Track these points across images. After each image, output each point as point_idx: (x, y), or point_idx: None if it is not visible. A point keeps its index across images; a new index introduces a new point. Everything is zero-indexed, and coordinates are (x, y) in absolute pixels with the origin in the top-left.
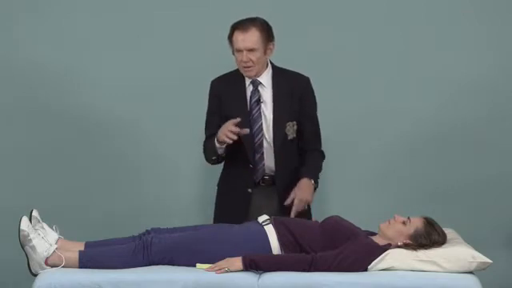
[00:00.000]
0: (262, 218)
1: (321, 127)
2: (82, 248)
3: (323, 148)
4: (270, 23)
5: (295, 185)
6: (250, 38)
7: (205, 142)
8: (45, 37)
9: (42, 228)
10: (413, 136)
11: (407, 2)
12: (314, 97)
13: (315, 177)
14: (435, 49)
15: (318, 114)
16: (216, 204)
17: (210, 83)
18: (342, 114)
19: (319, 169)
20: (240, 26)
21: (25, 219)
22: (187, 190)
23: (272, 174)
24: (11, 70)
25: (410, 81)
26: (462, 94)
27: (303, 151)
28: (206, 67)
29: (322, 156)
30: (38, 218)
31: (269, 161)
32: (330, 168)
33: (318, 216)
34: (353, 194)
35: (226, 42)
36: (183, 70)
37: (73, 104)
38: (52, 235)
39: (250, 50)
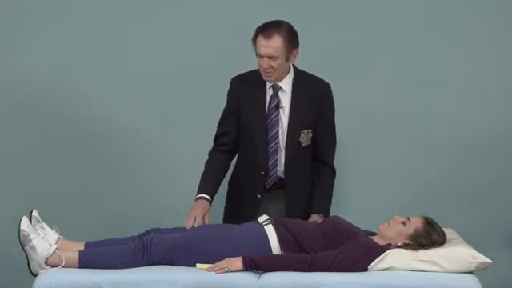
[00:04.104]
0: (262, 218)
1: None
2: (82, 248)
3: None
4: None
5: (305, 191)
6: (272, 45)
7: (209, 157)
8: (43, 38)
9: (42, 228)
10: (413, 136)
11: (408, 1)
12: (332, 104)
13: (326, 211)
14: (435, 49)
15: None
16: (226, 205)
17: (220, 80)
18: (341, 115)
19: (330, 198)
20: (264, 31)
21: (25, 219)
22: (188, 191)
23: (282, 177)
24: (10, 74)
25: (410, 81)
26: (462, 94)
27: (315, 161)
28: (205, 68)
29: (333, 174)
30: (38, 218)
31: (282, 166)
32: None
33: None
34: (353, 194)
35: (225, 43)
36: (183, 71)
37: (72, 106)
38: (52, 235)
39: (271, 57)
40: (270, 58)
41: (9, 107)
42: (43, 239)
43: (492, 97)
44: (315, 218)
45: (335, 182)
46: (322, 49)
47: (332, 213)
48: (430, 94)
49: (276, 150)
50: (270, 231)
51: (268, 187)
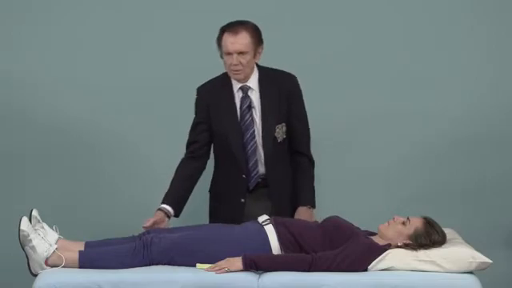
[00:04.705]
0: (262, 218)
1: (320, 128)
2: (82, 248)
3: (321, 148)
4: (272, 24)
5: (288, 186)
6: (240, 41)
7: (179, 164)
8: (34, 38)
9: (42, 228)
10: (412, 136)
11: (408, 1)
12: (301, 96)
13: (312, 201)
14: (435, 49)
15: (321, 115)
16: (210, 212)
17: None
18: (342, 115)
19: (313, 188)
20: (230, 28)
21: (25, 219)
22: None
23: (264, 176)
24: (9, 75)
25: (409, 81)
26: (462, 94)
27: (293, 153)
28: (203, 69)
29: (312, 164)
30: (38, 217)
31: (262, 166)
32: (329, 168)
33: (317, 216)
34: (352, 194)
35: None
36: (181, 72)
37: (72, 106)
38: (52, 235)
39: (240, 53)
40: (239, 53)
41: (8, 107)
42: (43, 239)
43: (492, 97)
44: (302, 210)
45: (335, 182)
46: (322, 49)
47: (331, 213)
48: (430, 94)
49: (254, 151)
50: (270, 231)
51: (251, 188)
